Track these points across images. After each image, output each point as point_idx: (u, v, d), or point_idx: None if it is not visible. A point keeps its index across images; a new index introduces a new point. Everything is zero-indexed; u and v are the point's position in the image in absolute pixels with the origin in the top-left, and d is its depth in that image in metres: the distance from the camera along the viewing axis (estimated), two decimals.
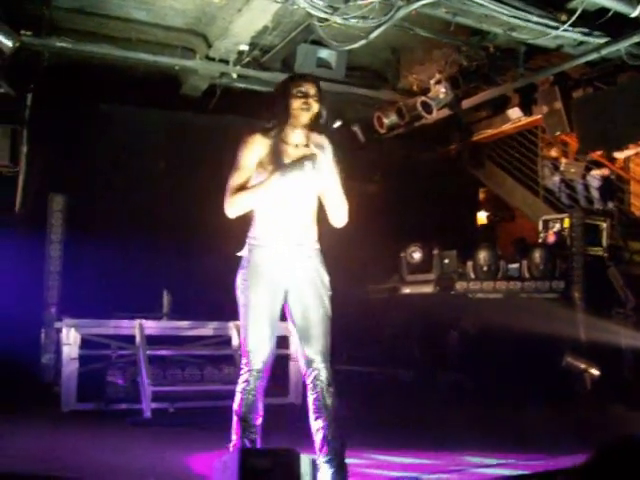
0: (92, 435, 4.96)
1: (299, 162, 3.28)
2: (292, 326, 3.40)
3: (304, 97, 3.30)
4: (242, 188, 3.28)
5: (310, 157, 3.29)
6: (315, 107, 3.32)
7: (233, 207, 3.30)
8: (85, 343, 5.92)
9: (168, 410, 5.71)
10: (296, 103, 3.30)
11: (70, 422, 5.42)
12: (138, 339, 5.86)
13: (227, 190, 3.29)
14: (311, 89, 3.33)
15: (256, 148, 3.31)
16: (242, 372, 3.34)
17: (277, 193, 3.29)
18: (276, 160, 3.29)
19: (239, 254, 3.41)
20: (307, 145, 3.35)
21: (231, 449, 3.22)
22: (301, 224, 3.38)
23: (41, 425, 5.18)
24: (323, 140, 3.34)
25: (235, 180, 3.29)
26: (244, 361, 3.34)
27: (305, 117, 3.32)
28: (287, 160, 3.30)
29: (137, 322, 5.97)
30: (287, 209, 3.34)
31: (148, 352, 5.73)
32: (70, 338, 5.82)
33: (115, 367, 5.97)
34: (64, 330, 5.87)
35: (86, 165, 7.51)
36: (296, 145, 3.37)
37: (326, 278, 3.41)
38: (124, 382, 5.92)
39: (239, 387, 3.33)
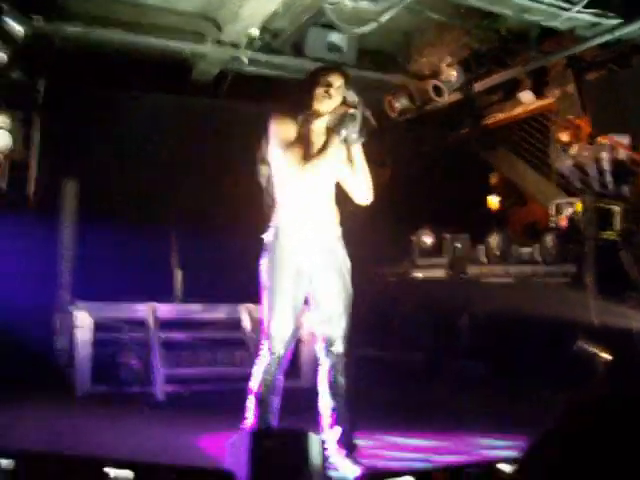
0: (106, 417, 5.01)
1: (323, 151, 3.33)
2: (314, 308, 3.44)
3: (326, 86, 3.36)
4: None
5: (330, 146, 3.35)
6: (337, 97, 3.37)
7: None
8: (98, 326, 5.98)
9: (181, 393, 5.76)
10: (318, 91, 3.36)
11: (85, 405, 5.48)
12: (151, 322, 5.91)
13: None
14: (336, 80, 3.38)
15: (284, 129, 3.36)
16: (263, 354, 3.39)
17: (300, 178, 3.33)
18: (301, 145, 3.33)
19: (263, 237, 3.46)
20: (331, 132, 3.40)
21: (245, 428, 3.26)
22: (323, 209, 3.44)
23: (56, 408, 5.24)
24: (348, 123, 3.37)
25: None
26: (266, 344, 3.39)
27: (326, 105, 3.37)
28: (309, 147, 3.35)
29: (150, 305, 6.02)
30: (310, 194, 3.39)
31: (161, 335, 5.77)
32: (83, 322, 5.88)
33: (128, 350, 6.01)
34: (77, 314, 5.93)
35: (99, 150, 7.54)
36: (321, 131, 3.43)
37: (347, 262, 3.47)
38: (137, 365, 5.97)
39: (259, 369, 3.38)
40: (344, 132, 3.37)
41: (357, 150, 3.44)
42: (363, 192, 3.52)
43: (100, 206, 7.30)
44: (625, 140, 8.57)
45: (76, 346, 5.93)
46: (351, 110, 3.38)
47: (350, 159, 3.46)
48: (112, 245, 7.15)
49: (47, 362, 6.52)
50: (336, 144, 3.38)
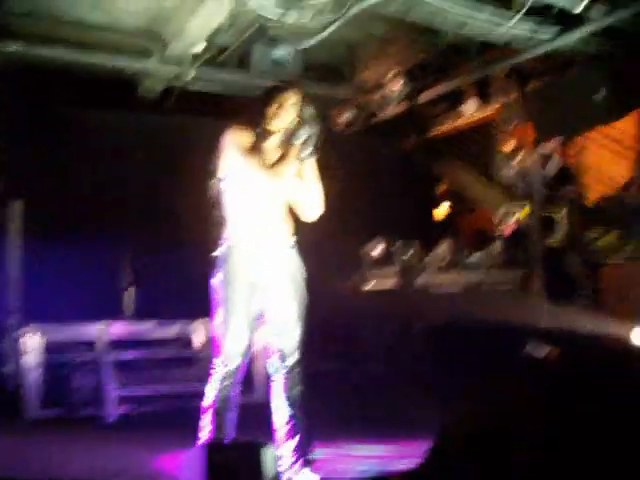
0: (58, 441, 4.92)
1: (275, 166, 3.35)
2: (267, 321, 3.46)
3: (279, 104, 3.38)
4: None
5: (283, 163, 3.38)
6: (290, 115, 3.40)
7: None
8: (49, 348, 5.88)
9: (134, 413, 5.69)
10: (270, 109, 3.38)
11: (35, 429, 5.37)
12: (101, 342, 5.84)
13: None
14: (290, 98, 3.41)
15: (239, 140, 3.38)
16: (217, 369, 3.39)
17: (250, 193, 3.35)
18: (255, 159, 3.35)
19: (215, 253, 3.46)
20: (285, 147, 3.42)
21: (200, 444, 3.26)
22: (276, 220, 3.45)
23: (5, 434, 5.13)
24: (303, 138, 3.40)
25: None
26: (220, 359, 3.39)
27: (279, 123, 3.40)
28: (263, 162, 3.37)
29: (100, 325, 5.94)
30: (260, 208, 3.41)
31: (112, 355, 5.70)
32: (33, 344, 5.78)
33: (80, 371, 5.92)
34: (26, 337, 5.82)
35: (45, 169, 7.43)
36: (273, 147, 3.45)
37: (301, 272, 3.48)
38: (89, 387, 5.88)
39: (213, 384, 3.38)
40: (298, 148, 3.40)
41: (309, 165, 3.46)
42: (314, 208, 3.54)
43: (48, 225, 7.19)
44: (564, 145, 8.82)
45: (25, 370, 5.81)
46: (305, 126, 3.41)
47: (301, 175, 3.48)
48: (62, 265, 7.04)
49: None
50: (289, 159, 3.40)
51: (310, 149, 3.41)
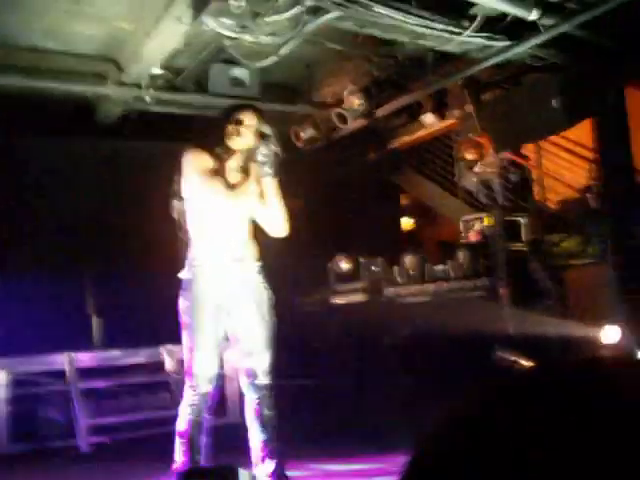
0: (30, 475, 4.83)
1: (236, 188, 3.35)
2: (235, 342, 3.43)
3: (237, 124, 3.38)
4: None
5: (245, 182, 3.38)
6: (248, 135, 3.39)
7: None
8: (15, 382, 5.76)
9: (105, 443, 5.60)
10: (230, 129, 3.38)
11: (4, 465, 5.26)
12: (69, 372, 5.75)
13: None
14: (248, 117, 3.41)
15: (200, 161, 3.36)
16: (187, 394, 3.35)
17: (213, 213, 3.33)
18: (216, 179, 3.34)
19: (180, 276, 3.43)
20: (246, 167, 3.42)
21: (174, 470, 3.21)
22: (239, 241, 3.44)
23: None
24: (263, 157, 3.40)
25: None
26: (190, 383, 3.35)
27: (237, 143, 3.40)
28: (224, 182, 3.35)
29: (67, 355, 5.85)
30: (224, 228, 3.40)
31: (80, 385, 5.62)
32: None
33: (48, 403, 5.82)
34: None
35: (5, 200, 7.32)
36: (234, 168, 3.44)
37: (267, 294, 3.47)
38: (58, 418, 5.78)
39: (185, 409, 3.34)
40: (258, 167, 3.40)
41: (270, 184, 3.45)
42: (278, 226, 3.54)
43: (9, 258, 7.08)
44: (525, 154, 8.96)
45: None
46: (265, 145, 3.40)
47: (263, 194, 3.47)
48: (24, 296, 6.93)
49: None
50: (250, 179, 3.40)
51: (270, 168, 3.41)
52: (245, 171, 3.45)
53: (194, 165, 3.38)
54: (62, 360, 5.86)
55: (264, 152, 3.39)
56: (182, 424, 3.33)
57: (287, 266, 7.62)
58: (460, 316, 6.76)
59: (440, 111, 8.55)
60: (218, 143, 3.45)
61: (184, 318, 3.37)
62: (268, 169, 3.40)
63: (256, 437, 3.37)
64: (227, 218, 3.41)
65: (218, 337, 3.36)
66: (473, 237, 8.06)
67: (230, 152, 3.45)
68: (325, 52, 7.15)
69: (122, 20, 6.16)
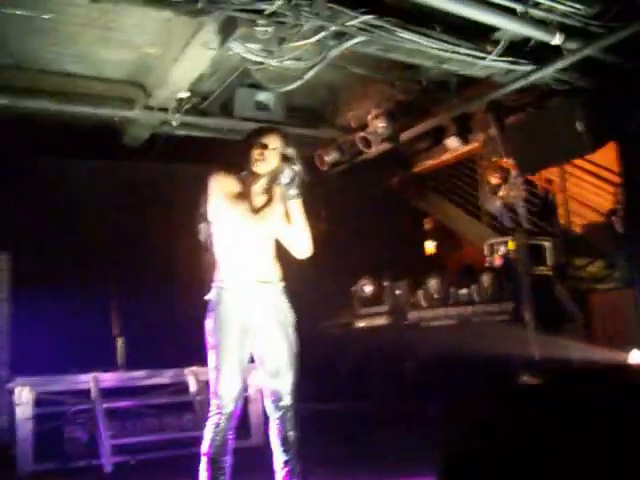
0: None
1: (261, 211, 3.38)
2: (260, 364, 3.45)
3: (262, 148, 3.42)
4: None
5: (269, 205, 3.41)
6: (273, 159, 3.43)
7: None
8: (40, 401, 5.81)
9: (129, 462, 5.62)
10: (254, 153, 3.42)
11: None
12: (94, 393, 5.78)
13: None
14: (272, 141, 3.45)
15: (225, 184, 3.40)
16: (212, 414, 3.37)
17: (239, 235, 3.37)
18: (242, 202, 3.38)
19: (207, 297, 3.47)
20: (270, 191, 3.45)
21: None
22: (265, 263, 3.47)
23: None
24: (288, 179, 3.44)
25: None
26: (215, 403, 3.36)
27: (262, 167, 3.44)
28: (249, 205, 3.39)
29: (92, 375, 5.89)
30: (249, 250, 3.43)
31: (105, 405, 5.65)
32: (23, 398, 5.70)
33: (73, 423, 5.85)
34: (17, 390, 5.74)
35: (30, 220, 7.43)
36: (259, 190, 3.48)
37: (292, 315, 3.49)
38: (83, 438, 5.81)
39: (209, 429, 3.35)
40: (283, 189, 3.43)
41: (295, 206, 3.48)
42: (303, 246, 3.56)
43: (34, 277, 7.17)
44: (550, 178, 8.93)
45: (17, 424, 5.73)
46: (289, 167, 3.44)
47: (288, 215, 3.51)
48: (50, 317, 7.01)
49: None
50: (275, 201, 3.43)
51: (295, 190, 3.44)
52: (269, 193, 3.48)
53: (219, 188, 3.42)
54: (87, 380, 5.90)
55: (288, 174, 3.43)
56: (207, 444, 3.34)
57: (310, 289, 7.65)
58: (484, 340, 6.72)
59: (464, 135, 8.57)
60: (243, 167, 3.49)
61: (210, 339, 3.39)
62: (293, 191, 3.44)
63: (279, 458, 3.37)
64: (252, 240, 3.44)
65: (243, 358, 3.38)
66: (497, 261, 8.04)
67: (255, 175, 3.49)
68: (349, 76, 7.22)
69: (150, 46, 6.27)
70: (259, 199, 3.48)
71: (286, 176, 3.43)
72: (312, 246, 3.57)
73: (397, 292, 8.07)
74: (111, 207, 8.01)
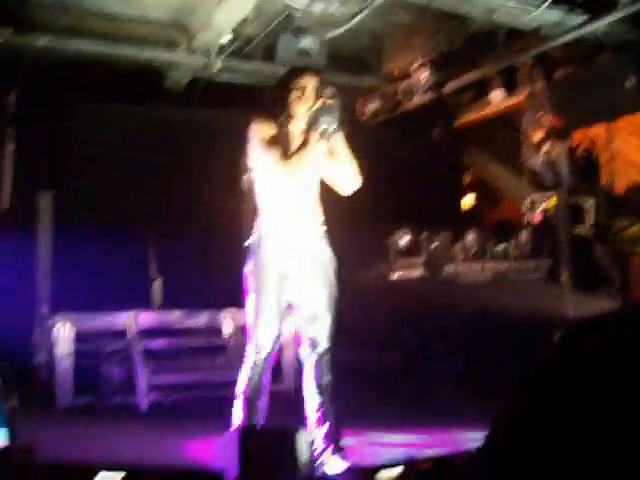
0: (90, 428, 5.00)
1: (302, 152, 3.37)
2: (297, 310, 3.48)
3: (300, 89, 3.40)
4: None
5: (309, 147, 3.40)
6: (311, 99, 3.41)
7: None
8: (79, 338, 5.95)
9: (164, 401, 5.75)
10: (293, 94, 3.40)
11: (68, 417, 5.45)
12: (131, 332, 5.89)
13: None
14: (309, 82, 3.43)
15: (265, 130, 3.40)
16: (249, 357, 3.42)
17: (279, 181, 3.37)
18: (282, 147, 3.38)
19: (247, 242, 3.50)
20: (309, 132, 3.45)
21: (233, 430, 3.28)
22: (306, 210, 3.48)
23: (39, 421, 5.21)
24: (327, 118, 3.42)
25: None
26: (252, 346, 3.42)
27: (302, 107, 3.42)
28: (290, 149, 3.39)
29: (130, 314, 6.00)
30: (290, 196, 3.43)
31: (142, 344, 5.76)
32: (63, 334, 5.85)
33: (110, 361, 5.99)
34: (57, 327, 5.89)
35: (73, 161, 7.51)
36: (299, 133, 3.47)
37: (332, 261, 3.51)
38: (119, 375, 5.95)
39: (245, 371, 3.42)
40: (323, 125, 3.42)
41: (337, 140, 3.48)
42: (350, 181, 3.57)
43: (76, 217, 7.27)
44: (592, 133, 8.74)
45: (57, 359, 5.89)
46: (328, 102, 3.42)
47: (332, 152, 3.51)
48: (89, 256, 7.12)
49: (28, 377, 6.48)
50: (316, 141, 3.42)
51: (335, 126, 3.43)
52: (309, 135, 3.47)
53: (259, 136, 3.42)
54: (125, 319, 6.01)
55: (326, 112, 3.42)
56: (242, 386, 3.40)
57: (347, 239, 7.65)
58: (519, 297, 6.69)
59: (509, 88, 8.39)
60: (281, 110, 3.47)
61: (249, 283, 3.42)
62: (332, 127, 3.43)
63: (314, 401, 3.43)
64: (293, 185, 3.44)
65: (281, 302, 3.42)
66: (537, 218, 7.94)
67: (293, 117, 3.47)
68: (394, 25, 7.09)
69: None
70: (299, 142, 3.47)
71: (324, 114, 3.42)
72: (359, 179, 3.57)
73: (434, 245, 8.03)
74: (150, 151, 8.04)
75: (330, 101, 3.39)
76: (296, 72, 3.56)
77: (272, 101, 3.52)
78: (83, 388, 5.85)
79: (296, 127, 3.49)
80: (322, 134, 3.40)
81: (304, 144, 3.42)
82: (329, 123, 3.40)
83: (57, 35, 6.74)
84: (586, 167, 8.74)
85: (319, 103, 3.42)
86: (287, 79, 3.50)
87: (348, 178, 3.55)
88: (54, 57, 7.13)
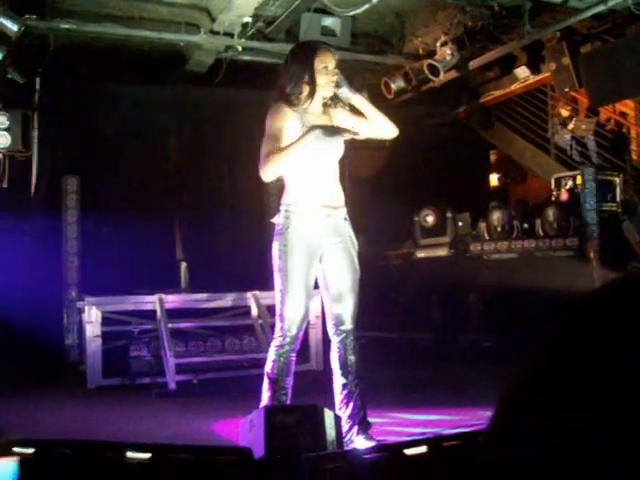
0: (120, 408, 5.08)
1: (326, 129, 3.38)
2: (324, 288, 3.49)
3: (329, 73, 3.39)
4: (274, 152, 3.32)
5: (331, 121, 3.42)
6: (332, 77, 3.43)
7: (268, 170, 3.36)
8: (107, 320, 6.03)
9: (192, 381, 5.81)
10: (323, 79, 3.40)
11: (98, 397, 5.54)
12: (159, 313, 5.95)
13: (261, 156, 3.34)
14: (332, 62, 3.42)
15: (283, 117, 3.40)
16: (276, 336, 3.44)
17: (306, 158, 3.37)
18: (302, 129, 3.37)
19: (273, 220, 3.50)
20: (327, 108, 3.47)
21: (261, 409, 3.30)
22: (331, 188, 3.48)
23: (70, 402, 5.31)
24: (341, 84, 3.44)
25: (267, 146, 3.35)
26: (279, 326, 3.43)
27: (331, 91, 3.42)
28: (312, 126, 3.39)
29: (157, 296, 6.05)
30: (317, 173, 3.44)
31: (169, 325, 5.81)
32: (92, 316, 5.92)
33: (138, 342, 6.07)
34: (86, 309, 5.96)
35: (98, 145, 7.56)
36: (319, 113, 3.48)
37: (355, 241, 3.52)
38: (147, 356, 6.03)
39: (273, 351, 3.43)
40: (342, 92, 3.46)
41: (359, 100, 3.50)
42: (387, 127, 3.58)
43: (102, 200, 7.35)
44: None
45: (86, 341, 5.98)
46: (342, 79, 3.47)
47: (358, 113, 3.53)
48: (116, 239, 7.20)
49: (58, 359, 6.59)
50: (337, 111, 3.48)
51: (350, 90, 3.46)
52: (326, 111, 3.52)
53: (282, 115, 3.42)
54: (152, 301, 6.07)
55: (340, 84, 3.45)
56: (270, 365, 3.41)
57: (373, 218, 7.64)
58: (546, 275, 6.62)
59: (535, 64, 8.27)
60: (306, 93, 3.47)
61: (277, 262, 3.43)
62: (349, 92, 3.46)
63: (339, 381, 3.44)
64: (317, 164, 3.44)
65: (309, 282, 3.41)
66: (564, 196, 7.84)
67: (315, 95, 3.47)
68: (417, 1, 7.02)
69: None
70: (320, 119, 3.48)
71: (339, 84, 3.46)
72: (395, 126, 3.59)
73: (459, 223, 7.98)
74: (175, 133, 8.08)
75: (343, 78, 3.46)
76: (319, 52, 3.53)
77: (290, 78, 3.49)
78: (112, 369, 5.93)
79: (315, 105, 3.49)
80: (343, 102, 3.47)
81: (326, 120, 3.45)
82: (345, 93, 3.45)
83: (80, 20, 6.76)
84: (615, 143, 8.61)
85: (338, 79, 3.46)
86: (313, 52, 3.48)
87: (385, 127, 3.56)
88: (78, 41, 7.17)
